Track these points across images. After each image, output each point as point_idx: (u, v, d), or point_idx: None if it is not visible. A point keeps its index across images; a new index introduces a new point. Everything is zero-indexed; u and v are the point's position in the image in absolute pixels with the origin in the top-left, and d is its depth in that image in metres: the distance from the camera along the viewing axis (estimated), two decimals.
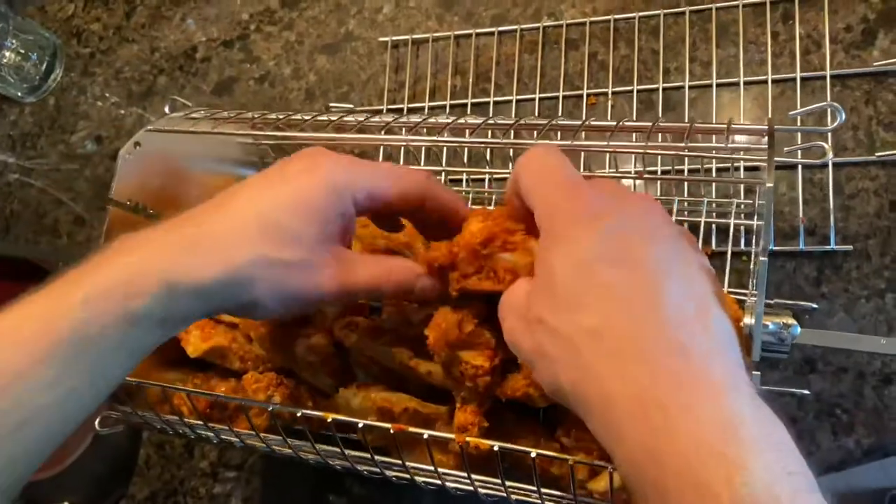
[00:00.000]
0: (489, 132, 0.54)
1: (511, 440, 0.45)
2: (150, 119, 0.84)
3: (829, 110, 0.55)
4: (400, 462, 0.48)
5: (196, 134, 0.55)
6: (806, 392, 0.51)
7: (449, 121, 0.52)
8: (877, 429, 0.55)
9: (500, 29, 0.72)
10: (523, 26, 0.71)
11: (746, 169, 0.60)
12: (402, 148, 0.68)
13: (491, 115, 0.70)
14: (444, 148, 0.66)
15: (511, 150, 0.61)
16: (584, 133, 0.48)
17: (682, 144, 0.43)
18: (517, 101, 0.70)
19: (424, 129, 0.54)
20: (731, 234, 0.58)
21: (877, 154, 0.58)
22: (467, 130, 0.55)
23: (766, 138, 0.41)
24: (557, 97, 0.68)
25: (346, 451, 0.49)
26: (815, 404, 0.56)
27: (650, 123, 0.46)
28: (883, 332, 0.56)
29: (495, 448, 0.42)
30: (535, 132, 0.55)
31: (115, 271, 0.36)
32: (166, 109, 0.62)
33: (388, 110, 0.73)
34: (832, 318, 0.57)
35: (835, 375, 0.56)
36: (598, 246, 0.33)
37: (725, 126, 0.45)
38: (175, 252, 0.37)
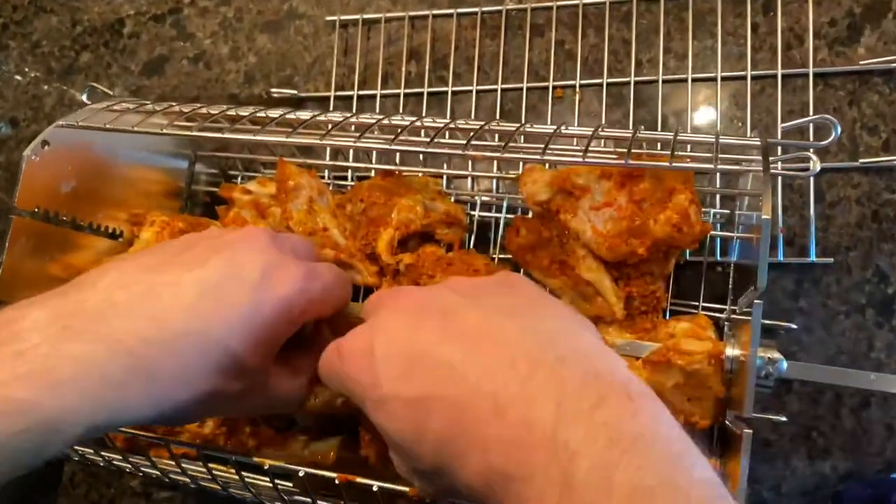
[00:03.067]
0: (448, 133, 0.48)
1: None
2: (75, 97, 0.76)
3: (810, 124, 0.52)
4: None
5: (117, 132, 0.49)
6: (783, 419, 0.48)
7: (405, 122, 0.46)
8: (853, 453, 0.52)
9: (460, 11, 0.66)
10: (484, 9, 0.65)
11: (722, 174, 0.56)
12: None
13: (449, 105, 0.64)
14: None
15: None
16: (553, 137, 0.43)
17: (667, 162, 0.38)
18: (477, 91, 0.64)
19: (377, 129, 0.49)
20: (707, 244, 0.54)
21: (860, 161, 0.54)
22: (423, 131, 0.49)
23: (761, 158, 0.36)
24: (521, 88, 0.63)
25: (279, 485, 0.45)
26: (791, 427, 0.53)
27: (630, 133, 0.42)
28: (863, 350, 0.53)
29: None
30: (498, 136, 0.50)
31: (27, 416, 0.29)
32: (84, 98, 0.55)
33: (336, 97, 0.67)
34: (811, 334, 0.54)
35: (812, 396, 0.53)
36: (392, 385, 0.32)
37: (713, 139, 0.40)
38: (108, 386, 0.31)
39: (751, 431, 0.33)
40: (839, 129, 0.40)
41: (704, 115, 0.59)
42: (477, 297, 0.34)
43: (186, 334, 0.33)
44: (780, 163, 0.50)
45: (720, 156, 0.45)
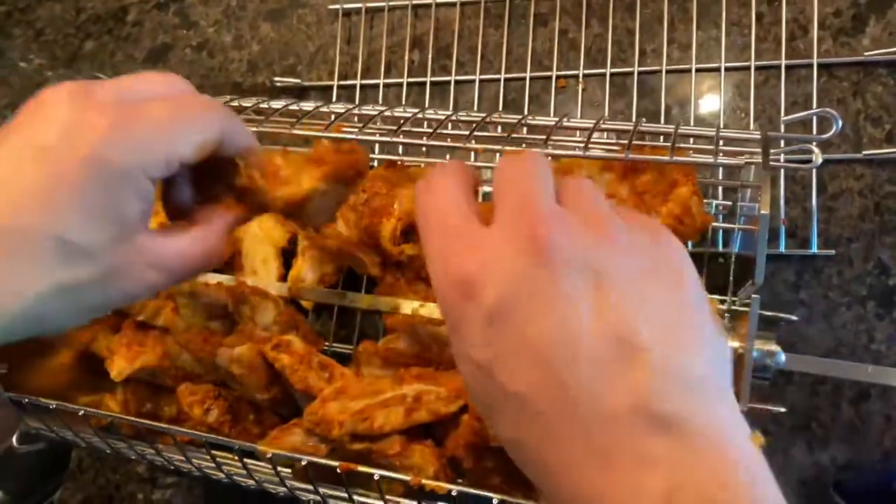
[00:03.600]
0: (450, 124, 0.49)
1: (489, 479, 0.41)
2: None
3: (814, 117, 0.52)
4: (346, 496, 0.44)
5: None
6: (781, 409, 0.48)
7: (408, 114, 0.46)
8: (853, 444, 0.52)
9: None
10: None
11: (725, 165, 0.56)
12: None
13: (452, 95, 0.64)
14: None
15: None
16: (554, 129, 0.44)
17: (667, 156, 0.38)
18: (480, 80, 0.64)
19: (379, 121, 0.49)
20: (708, 235, 0.54)
21: (863, 152, 0.54)
22: (426, 122, 0.49)
23: (761, 153, 0.36)
24: (524, 78, 0.63)
25: (286, 478, 0.45)
26: (791, 418, 0.53)
27: (631, 125, 0.42)
28: (863, 342, 0.53)
29: (453, 493, 0.38)
30: (501, 127, 0.50)
31: None
32: None
33: (339, 86, 0.67)
34: (811, 326, 0.54)
35: (811, 388, 0.53)
36: (481, 345, 0.26)
37: (714, 133, 0.40)
38: None
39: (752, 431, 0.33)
40: (840, 124, 0.40)
41: (708, 105, 0.59)
42: (635, 257, 0.26)
43: None
44: (782, 155, 0.50)
45: (721, 148, 0.45)
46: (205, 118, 0.33)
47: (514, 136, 0.43)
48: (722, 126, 0.56)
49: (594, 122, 0.43)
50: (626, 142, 0.41)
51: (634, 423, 0.24)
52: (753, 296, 0.34)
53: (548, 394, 0.24)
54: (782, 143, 0.49)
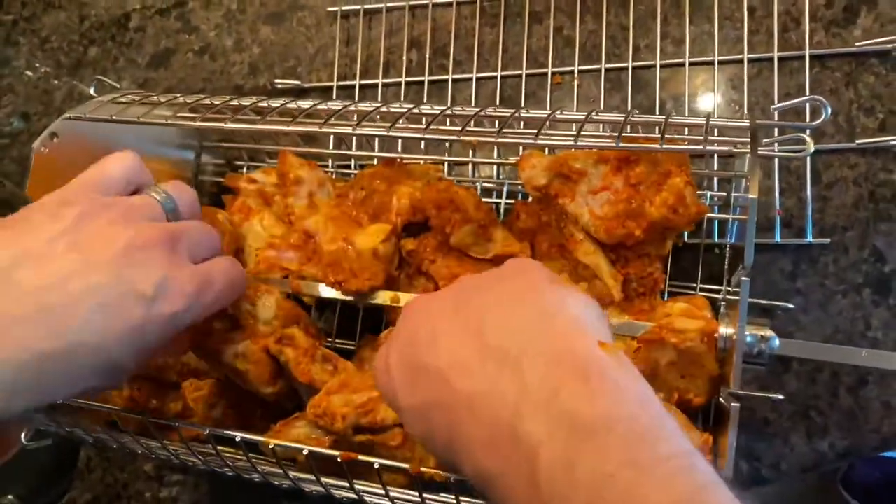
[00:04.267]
0: (447, 120, 0.49)
1: None
2: (84, 91, 0.77)
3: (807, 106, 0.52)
4: (348, 485, 0.44)
5: (123, 123, 0.50)
6: (780, 397, 0.49)
7: (404, 110, 0.47)
8: (851, 431, 0.53)
9: None
10: None
11: (721, 156, 0.57)
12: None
13: (450, 93, 0.65)
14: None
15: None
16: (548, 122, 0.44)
17: (658, 145, 0.39)
18: (477, 78, 0.65)
19: (378, 116, 0.50)
20: (703, 226, 0.55)
21: (857, 141, 0.55)
22: (424, 118, 0.50)
23: (749, 140, 0.37)
24: (520, 75, 0.64)
25: (291, 472, 0.46)
26: (789, 406, 0.54)
27: (623, 116, 0.42)
28: (860, 329, 0.53)
29: (451, 479, 0.39)
30: (497, 122, 0.51)
31: None
32: (91, 91, 0.57)
33: (339, 87, 0.68)
34: (808, 314, 0.54)
35: (809, 375, 0.54)
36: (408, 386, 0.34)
37: (704, 121, 0.41)
38: None
39: (738, 405, 0.34)
40: (829, 110, 0.41)
41: (702, 99, 0.59)
42: (469, 298, 0.34)
43: (80, 345, 0.35)
44: (776, 144, 0.50)
45: (716, 138, 0.46)
46: (242, 286, 0.44)
47: (506, 129, 0.44)
48: (715, 117, 0.56)
49: (586, 113, 0.44)
50: (618, 134, 0.41)
51: (485, 370, 0.30)
52: (743, 279, 0.34)
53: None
54: (776, 132, 0.50)
